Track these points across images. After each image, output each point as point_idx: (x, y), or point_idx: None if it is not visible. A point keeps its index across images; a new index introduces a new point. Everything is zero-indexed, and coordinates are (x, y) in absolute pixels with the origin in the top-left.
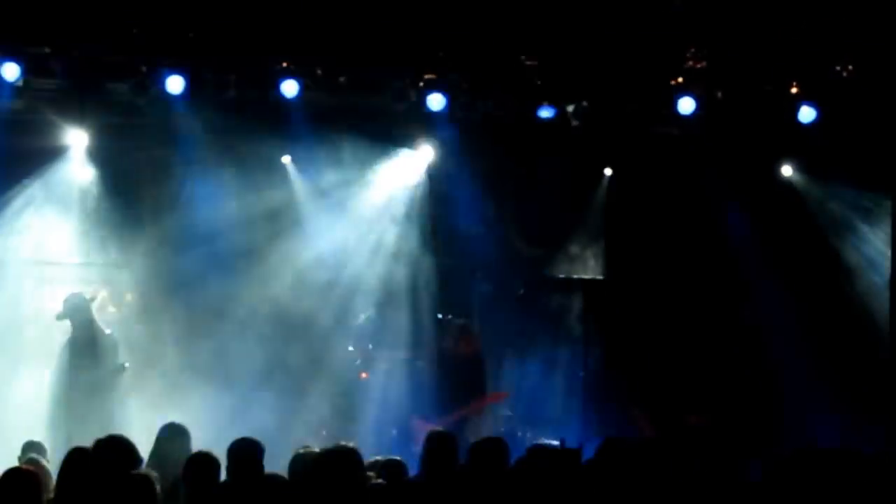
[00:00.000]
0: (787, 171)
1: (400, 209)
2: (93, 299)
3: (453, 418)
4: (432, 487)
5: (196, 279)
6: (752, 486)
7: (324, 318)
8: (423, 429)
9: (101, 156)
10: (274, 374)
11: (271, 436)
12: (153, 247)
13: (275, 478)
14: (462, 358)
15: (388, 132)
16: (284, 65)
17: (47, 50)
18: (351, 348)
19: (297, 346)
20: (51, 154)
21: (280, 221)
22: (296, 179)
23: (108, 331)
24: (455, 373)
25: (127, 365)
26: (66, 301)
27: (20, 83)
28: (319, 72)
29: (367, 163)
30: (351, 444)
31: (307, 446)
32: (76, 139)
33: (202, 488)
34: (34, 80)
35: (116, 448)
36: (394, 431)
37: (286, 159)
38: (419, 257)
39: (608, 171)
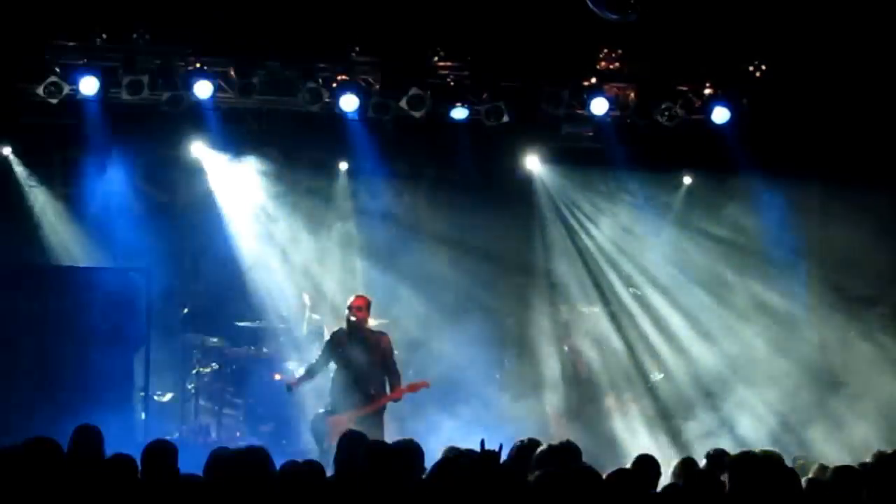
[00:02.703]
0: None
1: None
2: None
3: (367, 410)
4: (345, 491)
5: None
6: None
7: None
8: (337, 425)
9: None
10: None
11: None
12: None
13: (190, 478)
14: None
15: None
16: (197, 66)
17: None
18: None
19: None
20: None
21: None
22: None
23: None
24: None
25: None
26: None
27: None
28: (232, 73)
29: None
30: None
31: (224, 447)
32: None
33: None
34: None
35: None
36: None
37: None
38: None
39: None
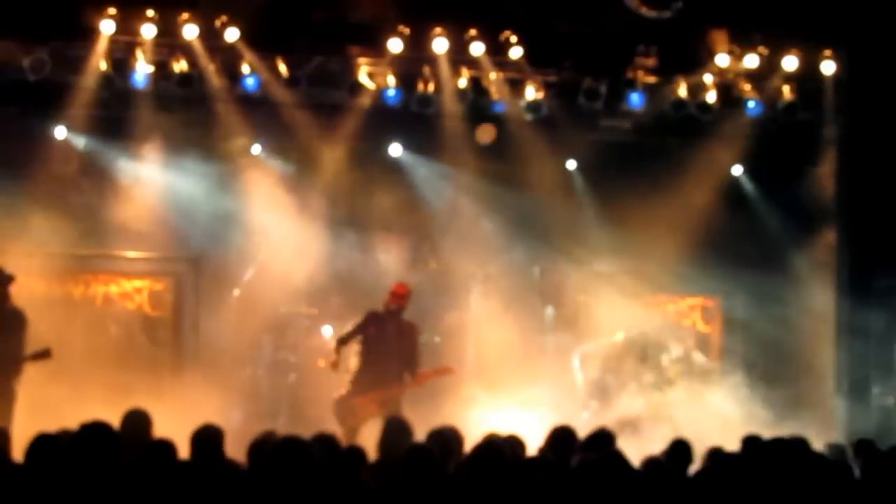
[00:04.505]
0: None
1: None
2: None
3: (392, 393)
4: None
5: None
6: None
7: None
8: (362, 406)
9: None
10: None
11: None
12: None
13: (234, 464)
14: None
15: None
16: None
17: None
18: None
19: None
20: None
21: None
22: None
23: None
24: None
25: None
26: None
27: None
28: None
29: None
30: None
31: (269, 431)
32: None
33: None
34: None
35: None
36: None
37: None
38: None
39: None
